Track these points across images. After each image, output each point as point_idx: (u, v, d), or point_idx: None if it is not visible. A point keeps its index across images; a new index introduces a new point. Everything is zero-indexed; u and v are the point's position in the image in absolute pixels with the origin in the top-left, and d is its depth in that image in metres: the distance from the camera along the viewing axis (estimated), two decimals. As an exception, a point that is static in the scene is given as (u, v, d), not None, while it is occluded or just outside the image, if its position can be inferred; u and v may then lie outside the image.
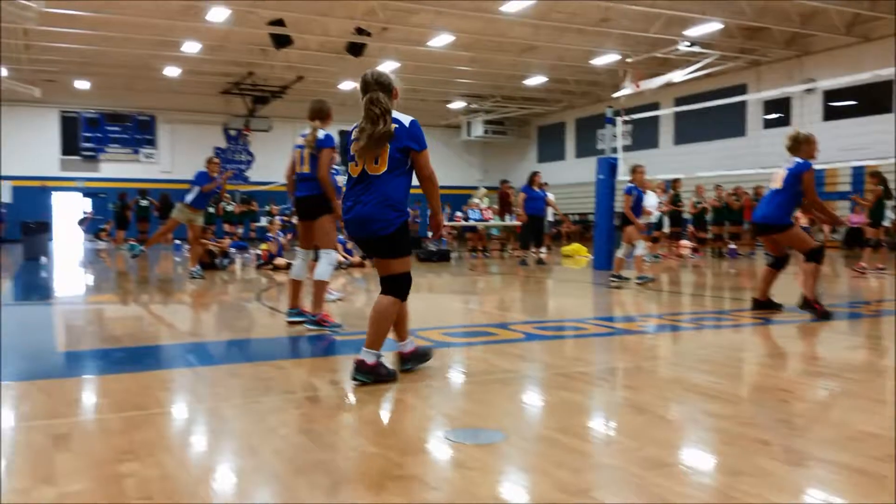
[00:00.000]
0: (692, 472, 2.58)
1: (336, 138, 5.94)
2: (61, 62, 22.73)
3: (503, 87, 26.81)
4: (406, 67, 23.16)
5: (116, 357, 4.87)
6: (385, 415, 3.45)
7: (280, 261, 13.15)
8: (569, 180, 27.64)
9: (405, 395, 3.68)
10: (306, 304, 6.06)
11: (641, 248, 10.22)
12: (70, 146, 27.74)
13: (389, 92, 3.91)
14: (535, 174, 14.66)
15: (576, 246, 18.54)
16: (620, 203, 10.53)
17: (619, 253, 10.07)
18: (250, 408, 3.43)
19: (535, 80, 25.20)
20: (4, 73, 22.51)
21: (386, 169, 3.84)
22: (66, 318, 7.09)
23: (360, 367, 3.80)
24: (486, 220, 17.90)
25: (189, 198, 10.67)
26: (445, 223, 21.02)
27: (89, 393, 3.88)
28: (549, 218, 17.83)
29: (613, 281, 9.65)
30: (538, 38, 20.32)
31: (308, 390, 3.93)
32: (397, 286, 3.92)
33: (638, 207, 9.92)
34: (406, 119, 3.93)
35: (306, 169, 5.92)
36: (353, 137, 3.95)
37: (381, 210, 3.82)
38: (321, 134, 5.90)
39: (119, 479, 2.43)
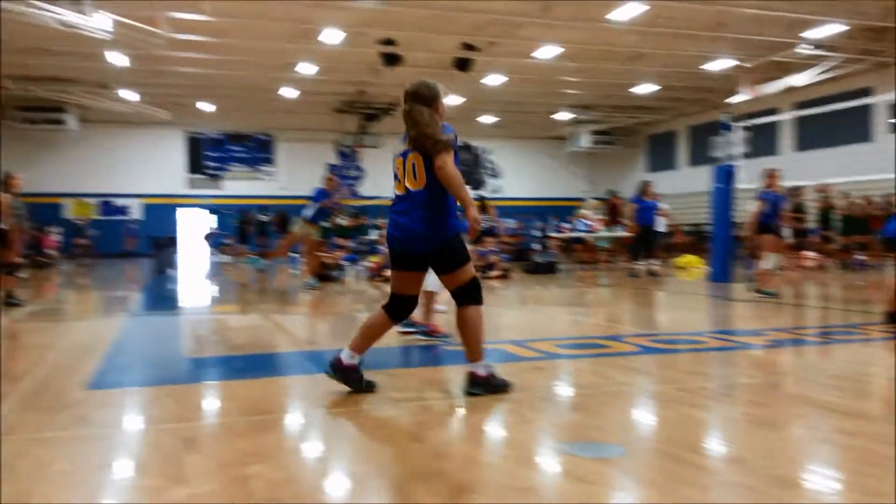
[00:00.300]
0: (829, 492, 2.42)
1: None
2: (187, 86, 24.11)
3: (611, 96, 26.35)
4: (512, 80, 23.19)
5: (239, 364, 5.08)
6: (500, 426, 3.42)
7: (389, 272, 13.38)
8: (680, 190, 26.80)
9: (519, 406, 3.64)
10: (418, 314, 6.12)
11: (772, 260, 9.63)
12: (195, 165, 29.35)
13: (428, 104, 3.93)
14: (646, 184, 14.31)
15: (689, 257, 17.93)
16: (745, 211, 10.01)
17: (762, 265, 9.53)
18: (366, 414, 3.49)
19: (645, 89, 24.63)
20: (136, 97, 24.12)
21: (426, 183, 3.80)
22: (192, 328, 7.47)
23: (474, 380, 3.80)
24: (594, 231, 17.60)
25: (308, 213, 11.10)
26: (555, 234, 20.88)
27: (215, 398, 4.05)
28: (661, 229, 17.35)
29: (760, 296, 9.14)
30: (647, 45, 19.87)
31: (420, 399, 3.95)
32: (470, 293, 3.86)
33: (774, 214, 9.39)
34: (443, 123, 3.92)
35: None
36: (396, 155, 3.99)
37: (426, 226, 3.78)
38: None
39: (246, 480, 2.52)
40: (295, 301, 10.02)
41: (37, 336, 6.64)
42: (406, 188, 3.86)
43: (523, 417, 3.47)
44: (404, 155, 3.92)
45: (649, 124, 30.65)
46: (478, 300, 3.89)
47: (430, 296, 5.93)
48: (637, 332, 6.72)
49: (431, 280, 5.92)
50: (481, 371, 3.80)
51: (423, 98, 3.93)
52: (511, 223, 26.51)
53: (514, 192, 32.82)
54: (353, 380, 3.83)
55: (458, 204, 3.87)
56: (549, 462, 2.78)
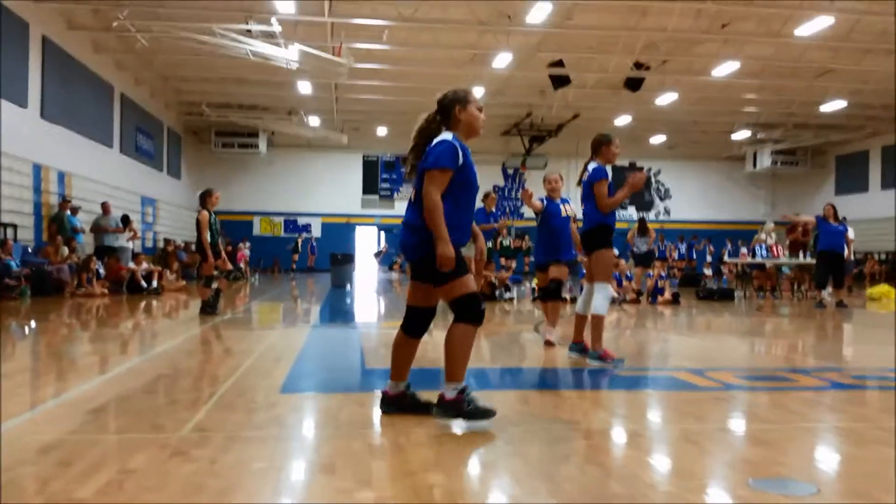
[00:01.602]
0: None
1: (609, 173, 5.92)
2: (364, 111, 25.46)
3: (795, 114, 24.78)
4: (685, 99, 22.45)
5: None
6: (679, 455, 3.32)
7: (556, 295, 13.33)
8: (873, 214, 24.66)
9: (699, 437, 3.51)
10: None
11: None
12: (370, 186, 30.85)
13: (446, 113, 3.83)
14: (828, 206, 13.29)
15: (884, 287, 16.39)
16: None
17: None
18: (539, 434, 3.51)
19: (833, 106, 22.93)
20: (317, 122, 25.77)
21: (415, 193, 3.74)
22: (367, 340, 7.84)
23: (440, 402, 3.62)
24: (774, 257, 16.56)
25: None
26: (727, 259, 19.83)
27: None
28: (850, 256, 16.00)
29: None
30: (837, 61, 18.55)
31: (593, 422, 3.91)
32: (462, 308, 3.63)
33: None
34: (441, 138, 3.75)
35: (583, 205, 5.99)
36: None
37: (414, 235, 3.69)
38: (591, 167, 5.92)
39: (428, 488, 2.62)
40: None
41: (233, 343, 7.24)
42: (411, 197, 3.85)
43: (703, 449, 3.34)
44: None
45: (838, 144, 28.50)
46: (470, 318, 3.66)
47: (599, 319, 5.85)
48: (824, 365, 6.25)
49: (597, 303, 5.86)
50: (450, 394, 3.58)
51: (442, 107, 3.87)
52: (681, 247, 25.55)
53: (685, 215, 31.63)
54: (406, 405, 3.80)
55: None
56: (734, 496, 2.67)
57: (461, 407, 3.57)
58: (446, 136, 3.75)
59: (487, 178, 29.50)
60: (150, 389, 4.55)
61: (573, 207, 7.32)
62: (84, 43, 16.99)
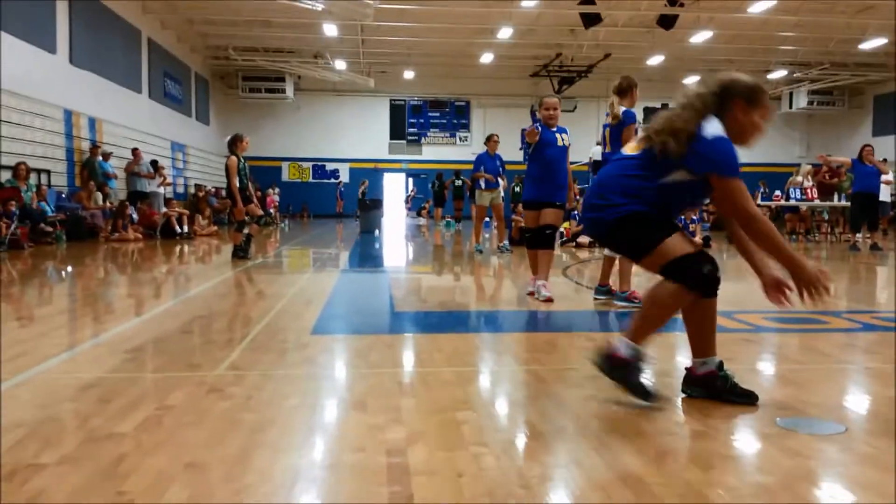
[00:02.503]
0: None
1: (639, 115, 5.82)
2: (391, 54, 25.15)
3: (832, 52, 23.96)
4: (721, 37, 21.83)
5: (437, 319, 5.33)
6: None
7: (583, 239, 13.28)
8: (912, 156, 23.97)
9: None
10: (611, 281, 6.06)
11: None
12: (397, 131, 30.66)
13: (724, 101, 2.94)
14: (864, 147, 12.96)
15: (921, 231, 16.07)
16: None
17: None
18: (567, 374, 3.54)
19: (873, 44, 22.12)
20: (343, 66, 25.54)
21: None
22: (395, 285, 7.91)
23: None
24: (809, 200, 16.26)
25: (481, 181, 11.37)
26: (759, 202, 19.47)
27: (422, 348, 4.27)
28: (886, 198, 15.64)
29: None
30: (880, -6, 17.84)
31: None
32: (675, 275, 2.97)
33: None
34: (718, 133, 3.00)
35: (609, 149, 5.90)
36: None
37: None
38: (620, 111, 5.82)
39: (457, 425, 2.68)
40: (486, 264, 10.26)
41: (264, 286, 7.36)
42: None
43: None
44: None
45: (877, 83, 27.61)
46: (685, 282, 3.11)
47: (628, 262, 5.83)
48: (859, 308, 6.19)
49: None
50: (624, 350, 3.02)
51: (723, 87, 2.95)
52: (713, 190, 25.13)
53: (717, 158, 31.07)
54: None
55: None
56: (761, 434, 2.68)
57: (631, 375, 3.01)
58: (718, 127, 2.90)
59: (516, 122, 29.11)
60: (185, 330, 4.65)
61: (569, 138, 6.72)
62: (109, -14, 16.92)
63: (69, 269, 9.07)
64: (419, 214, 27.58)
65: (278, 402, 2.99)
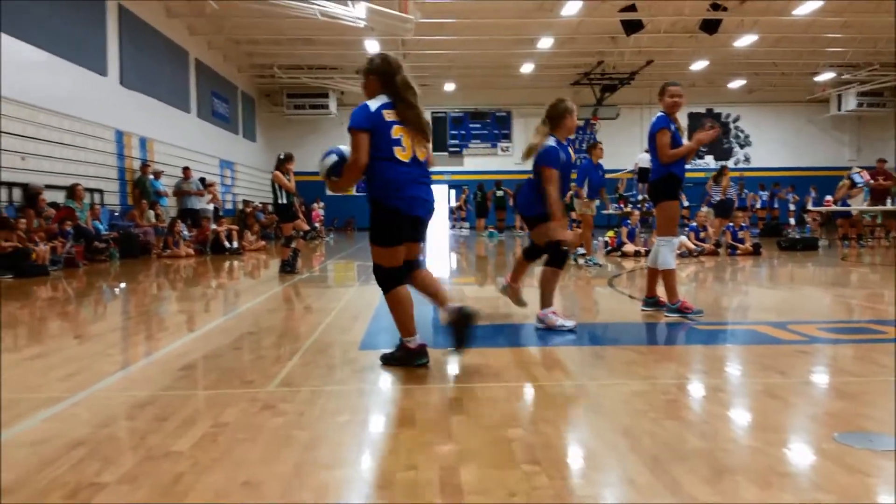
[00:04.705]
0: None
1: (684, 121, 5.76)
2: (432, 67, 25.30)
3: (881, 53, 23.34)
4: (766, 40, 21.48)
5: (485, 333, 5.32)
6: (761, 409, 3.27)
7: (629, 248, 13.15)
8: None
9: (781, 391, 3.45)
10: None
11: None
12: (438, 143, 30.77)
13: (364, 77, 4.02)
14: None
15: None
16: None
17: None
18: (617, 389, 3.51)
19: (928, 42, 21.48)
20: (387, 81, 25.79)
21: None
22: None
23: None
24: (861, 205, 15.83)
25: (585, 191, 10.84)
26: (810, 208, 19.04)
27: (472, 363, 4.26)
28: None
29: None
30: (933, -10, 17.34)
31: (672, 377, 3.88)
32: (375, 275, 4.07)
33: None
34: None
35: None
36: None
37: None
38: (654, 118, 5.78)
39: (508, 442, 2.67)
40: (531, 273, 10.19)
41: (311, 300, 7.44)
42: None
43: (786, 403, 3.28)
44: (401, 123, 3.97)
45: (930, 83, 26.82)
46: (381, 286, 4.10)
47: (668, 273, 5.75)
48: (917, 317, 5.99)
49: (663, 257, 5.75)
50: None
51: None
52: (763, 195, 24.69)
53: (765, 162, 30.49)
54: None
55: None
56: (818, 450, 2.62)
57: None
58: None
59: (558, 131, 29.02)
60: (236, 346, 4.74)
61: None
62: (158, 9, 17.37)
63: (122, 286, 9.30)
64: (461, 225, 27.58)
65: (329, 419, 3.03)
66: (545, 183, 5.18)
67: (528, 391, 3.56)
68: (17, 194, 11.54)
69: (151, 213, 14.80)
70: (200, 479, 2.32)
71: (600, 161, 10.98)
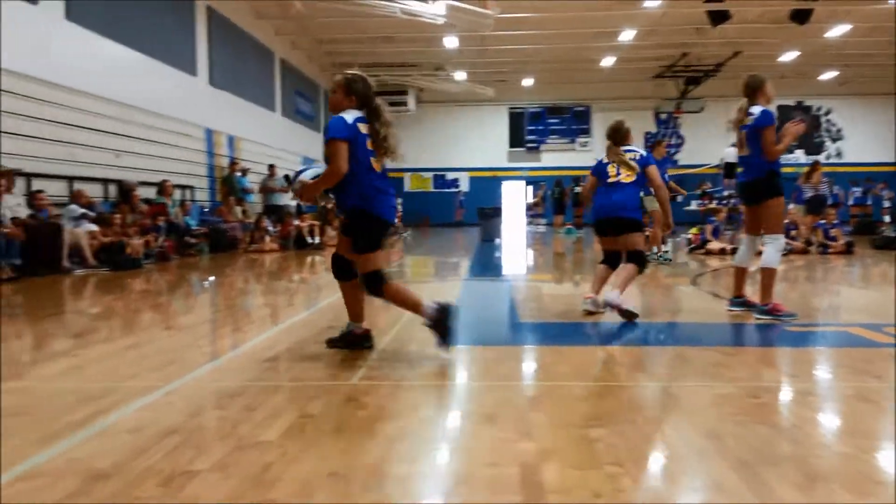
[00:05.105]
0: None
1: (776, 114, 5.54)
2: (510, 63, 25.23)
3: None
4: (858, 30, 20.50)
5: (562, 330, 5.28)
6: (854, 414, 3.13)
7: (714, 245, 12.80)
8: None
9: (876, 396, 3.30)
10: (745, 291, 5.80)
11: None
12: (516, 139, 30.68)
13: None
14: None
15: None
16: None
17: None
18: (702, 391, 3.43)
19: None
20: (463, 76, 25.85)
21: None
22: (518, 293, 7.90)
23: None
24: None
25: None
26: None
27: (550, 360, 4.24)
28: None
29: None
30: None
31: (762, 380, 3.76)
32: (365, 281, 4.17)
33: None
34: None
35: (745, 151, 5.65)
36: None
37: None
38: (756, 111, 5.55)
39: (589, 442, 2.65)
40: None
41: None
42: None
43: (881, 408, 3.13)
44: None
45: None
46: (367, 291, 4.24)
47: (769, 272, 5.56)
48: None
49: (768, 256, 5.56)
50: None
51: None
52: (856, 191, 23.58)
53: (858, 157, 29.11)
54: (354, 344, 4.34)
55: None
56: (920, 461, 2.50)
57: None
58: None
59: (637, 125, 28.48)
60: (319, 339, 4.85)
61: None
62: (245, 10, 17.92)
63: (211, 279, 9.65)
64: (538, 222, 27.38)
65: (411, 413, 3.07)
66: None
67: (609, 391, 3.52)
68: (113, 190, 12.12)
69: (239, 209, 15.30)
70: (288, 469, 2.39)
71: (664, 157, 10.98)
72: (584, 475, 2.31)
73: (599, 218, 5.94)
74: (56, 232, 9.38)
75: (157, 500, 2.16)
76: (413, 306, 4.19)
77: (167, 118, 14.02)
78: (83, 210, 10.32)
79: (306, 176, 4.22)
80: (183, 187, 14.51)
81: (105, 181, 11.94)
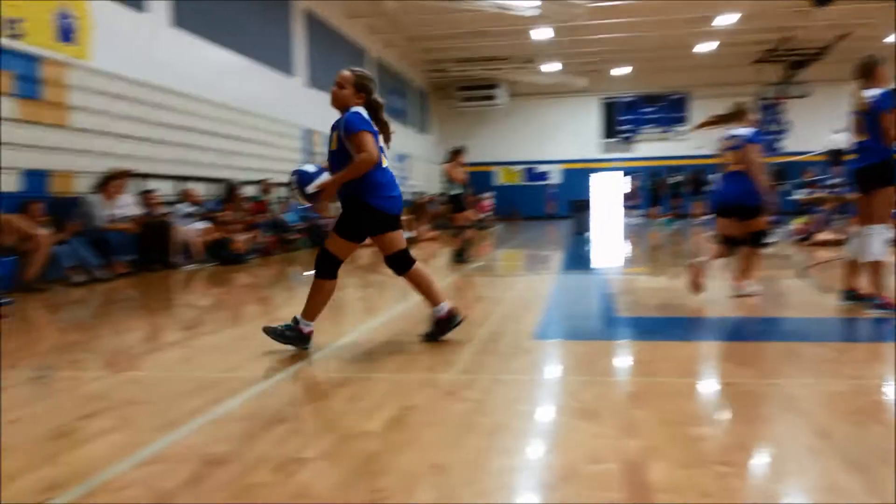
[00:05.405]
0: None
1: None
2: (603, 52, 24.77)
3: None
4: None
5: (662, 325, 5.16)
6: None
7: (822, 236, 12.20)
8: None
9: None
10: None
11: None
12: (609, 130, 30.12)
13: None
14: None
15: None
16: None
17: None
18: (814, 388, 3.29)
19: None
20: (554, 68, 25.59)
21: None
22: (613, 287, 7.76)
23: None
24: None
25: None
26: None
27: (650, 356, 4.16)
28: None
29: None
30: None
31: (875, 377, 3.57)
32: (394, 263, 4.37)
33: None
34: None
35: (862, 136, 5.35)
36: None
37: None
38: (873, 94, 5.24)
39: (695, 440, 2.59)
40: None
41: (484, 289, 7.58)
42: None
43: None
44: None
45: None
46: (396, 270, 4.43)
47: (878, 265, 5.27)
48: None
49: (874, 247, 5.26)
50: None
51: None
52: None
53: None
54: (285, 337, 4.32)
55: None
56: None
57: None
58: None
59: (738, 113, 27.42)
60: (416, 333, 4.92)
61: None
62: (339, 10, 18.32)
63: (310, 273, 9.93)
64: (633, 214, 26.80)
65: (509, 407, 3.08)
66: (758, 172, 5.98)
67: (714, 387, 3.43)
68: (219, 189, 12.65)
69: (333, 205, 15.69)
70: (393, 459, 2.45)
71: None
72: (691, 474, 2.26)
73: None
74: (167, 229, 9.87)
75: (271, 486, 2.25)
76: (435, 294, 4.42)
77: (267, 118, 14.51)
78: (192, 208, 10.84)
79: (323, 176, 4.32)
80: (282, 185, 14.99)
81: (211, 180, 12.48)
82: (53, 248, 7.87)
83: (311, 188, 4.37)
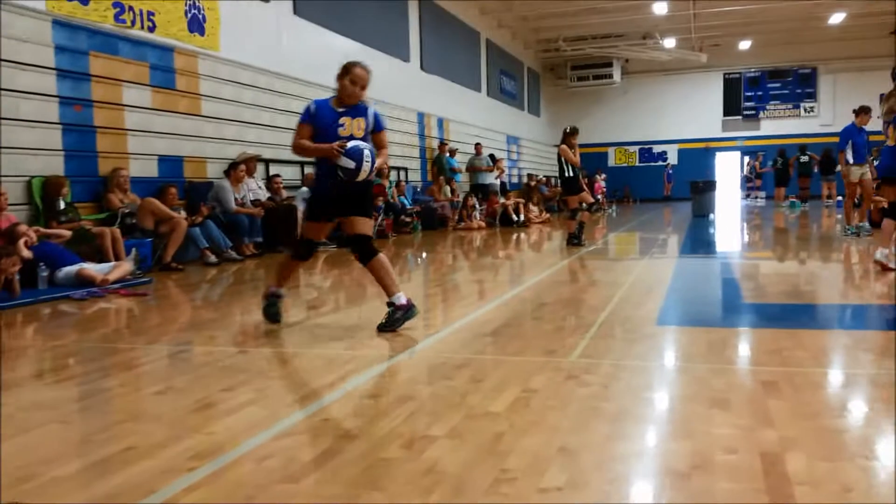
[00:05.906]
0: None
1: None
2: (725, 25, 23.69)
3: None
4: None
5: (795, 312, 4.93)
6: None
7: None
8: None
9: None
10: None
11: None
12: (732, 107, 28.83)
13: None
14: None
15: None
16: None
17: None
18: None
19: None
20: (673, 43, 24.68)
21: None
22: (737, 272, 7.46)
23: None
24: None
25: (849, 156, 10.24)
26: None
27: (784, 345, 3.97)
28: None
29: None
30: None
31: None
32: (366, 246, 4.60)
33: None
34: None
35: None
36: None
37: None
38: None
39: (835, 433, 2.47)
40: (834, 249, 9.18)
41: (600, 273, 7.47)
42: None
43: None
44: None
45: None
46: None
47: None
48: None
49: None
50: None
51: None
52: None
53: None
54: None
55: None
56: None
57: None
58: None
59: (873, 88, 25.58)
60: (535, 316, 4.93)
61: None
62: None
63: (424, 255, 10.11)
64: (757, 195, 25.58)
65: (634, 393, 3.04)
66: None
67: (852, 378, 3.25)
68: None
69: (448, 188, 15.85)
70: (519, 440, 2.47)
71: (864, 126, 10.31)
72: (832, 467, 2.15)
73: None
74: (290, 212, 10.27)
75: (402, 462, 2.32)
76: (389, 285, 4.46)
77: (384, 104, 14.78)
78: (312, 192, 11.23)
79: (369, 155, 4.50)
80: (398, 169, 15.27)
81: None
82: (189, 230, 8.35)
83: (370, 165, 4.50)
